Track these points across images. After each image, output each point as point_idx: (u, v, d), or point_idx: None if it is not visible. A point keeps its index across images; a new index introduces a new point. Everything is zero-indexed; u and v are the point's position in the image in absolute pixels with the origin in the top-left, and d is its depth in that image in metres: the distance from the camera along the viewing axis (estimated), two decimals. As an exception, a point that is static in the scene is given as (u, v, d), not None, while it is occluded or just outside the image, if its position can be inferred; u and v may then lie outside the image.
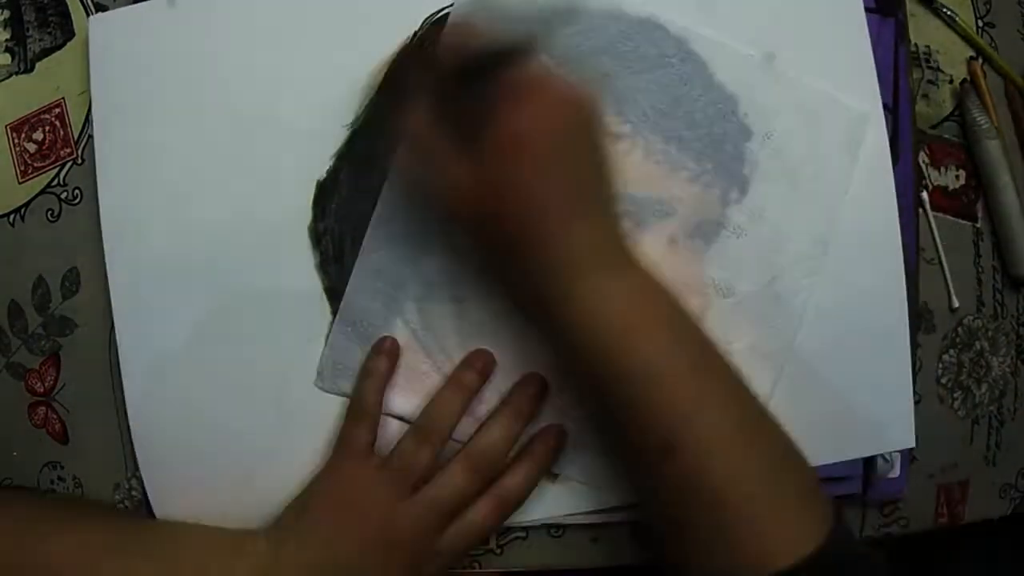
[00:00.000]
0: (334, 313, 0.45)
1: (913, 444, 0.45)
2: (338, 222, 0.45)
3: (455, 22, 0.43)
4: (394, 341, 0.43)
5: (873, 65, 0.45)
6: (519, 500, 0.42)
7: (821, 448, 0.42)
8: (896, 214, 0.45)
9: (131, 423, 0.46)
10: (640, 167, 0.44)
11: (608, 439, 0.42)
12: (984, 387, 0.49)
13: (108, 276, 0.45)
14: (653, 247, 0.44)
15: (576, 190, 0.36)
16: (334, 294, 0.45)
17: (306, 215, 0.45)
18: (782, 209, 0.44)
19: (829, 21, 0.46)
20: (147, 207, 0.45)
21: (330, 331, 0.45)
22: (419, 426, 0.41)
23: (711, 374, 0.36)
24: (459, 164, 0.36)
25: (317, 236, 0.45)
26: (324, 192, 0.45)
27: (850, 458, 0.45)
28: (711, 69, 0.45)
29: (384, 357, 0.43)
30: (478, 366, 0.43)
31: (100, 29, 0.46)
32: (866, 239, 0.45)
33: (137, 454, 0.46)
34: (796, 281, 0.44)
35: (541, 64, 0.37)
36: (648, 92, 0.44)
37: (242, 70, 0.45)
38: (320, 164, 0.45)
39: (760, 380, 0.41)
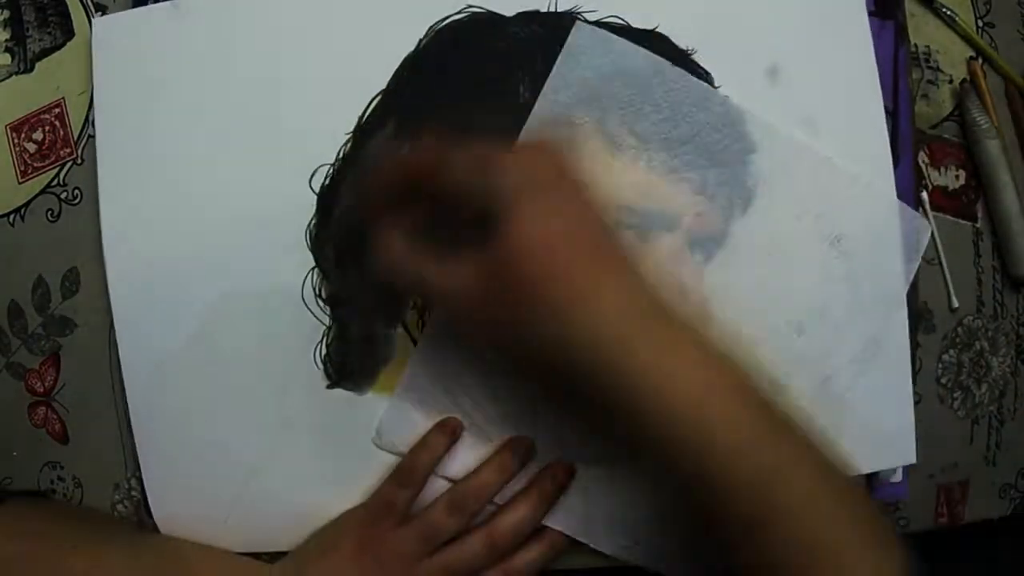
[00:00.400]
0: (333, 318, 0.45)
1: (914, 460, 0.45)
2: (340, 228, 0.45)
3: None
4: (458, 423, 0.44)
5: (876, 73, 0.45)
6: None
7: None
8: (898, 218, 0.45)
9: (132, 421, 0.46)
10: (643, 179, 0.44)
11: (672, 514, 0.42)
12: (984, 387, 0.49)
13: (107, 276, 0.45)
14: (654, 260, 0.44)
15: (591, 246, 0.34)
16: (334, 299, 0.45)
17: (306, 218, 0.45)
18: (843, 310, 0.44)
19: (832, 29, 0.46)
20: (147, 208, 0.45)
21: (328, 333, 0.45)
22: (454, 498, 0.42)
23: (785, 431, 0.34)
24: (461, 279, 0.34)
25: (319, 242, 0.45)
26: (326, 197, 0.45)
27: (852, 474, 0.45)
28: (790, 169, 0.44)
29: (446, 437, 0.43)
30: (520, 452, 0.43)
31: (104, 31, 0.46)
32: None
33: (138, 452, 0.46)
34: (849, 380, 0.45)
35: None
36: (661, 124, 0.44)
37: (245, 74, 0.45)
38: (322, 168, 0.45)
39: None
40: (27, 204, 0.48)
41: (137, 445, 0.46)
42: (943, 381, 0.48)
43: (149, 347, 0.45)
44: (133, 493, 0.47)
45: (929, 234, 0.46)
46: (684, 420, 0.32)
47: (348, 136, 0.45)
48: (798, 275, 0.44)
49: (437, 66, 0.45)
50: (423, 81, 0.45)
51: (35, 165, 0.48)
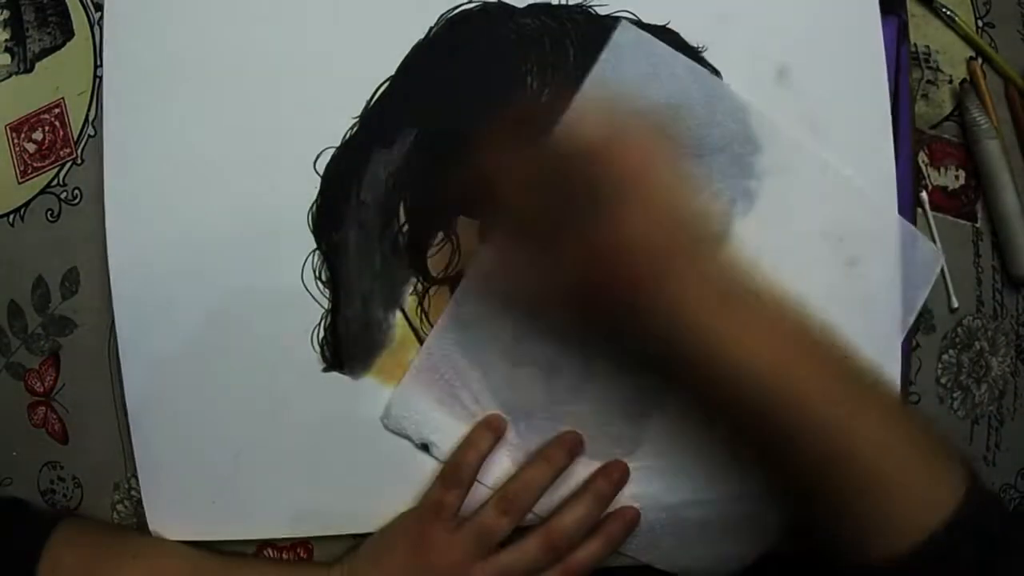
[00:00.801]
0: (333, 304, 0.45)
1: None
2: (346, 211, 0.45)
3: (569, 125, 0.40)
4: (502, 419, 0.44)
5: (885, 79, 0.45)
6: (586, 573, 0.43)
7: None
8: (896, 216, 0.45)
9: (130, 419, 0.46)
10: None
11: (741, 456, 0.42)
12: (984, 387, 0.49)
13: (109, 269, 0.45)
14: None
15: (684, 233, 0.36)
16: (333, 283, 0.45)
17: (308, 200, 0.45)
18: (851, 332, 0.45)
19: (844, 33, 0.46)
20: (152, 183, 0.45)
21: (327, 317, 0.45)
22: (504, 497, 0.42)
23: (858, 380, 0.36)
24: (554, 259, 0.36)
25: (322, 226, 0.45)
26: (331, 179, 0.45)
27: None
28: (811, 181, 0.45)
29: (491, 433, 0.43)
30: (568, 445, 0.43)
31: (116, 6, 0.46)
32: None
33: (131, 430, 0.46)
34: None
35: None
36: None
37: (255, 54, 0.45)
38: (327, 151, 0.45)
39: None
40: (27, 204, 0.48)
41: (131, 422, 0.46)
42: (943, 381, 0.48)
43: (148, 325, 0.45)
44: (132, 493, 0.47)
45: (941, 263, 0.46)
46: (768, 388, 0.35)
47: (355, 120, 0.45)
48: (809, 294, 0.44)
49: (446, 54, 0.45)
50: (431, 69, 0.45)
51: (35, 165, 0.48)
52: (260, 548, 0.47)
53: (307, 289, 0.45)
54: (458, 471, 0.42)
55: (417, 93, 0.45)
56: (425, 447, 0.45)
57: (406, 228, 0.45)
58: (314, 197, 0.45)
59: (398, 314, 0.45)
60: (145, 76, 0.45)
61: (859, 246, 0.45)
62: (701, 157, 0.44)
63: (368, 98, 0.45)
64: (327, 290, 0.45)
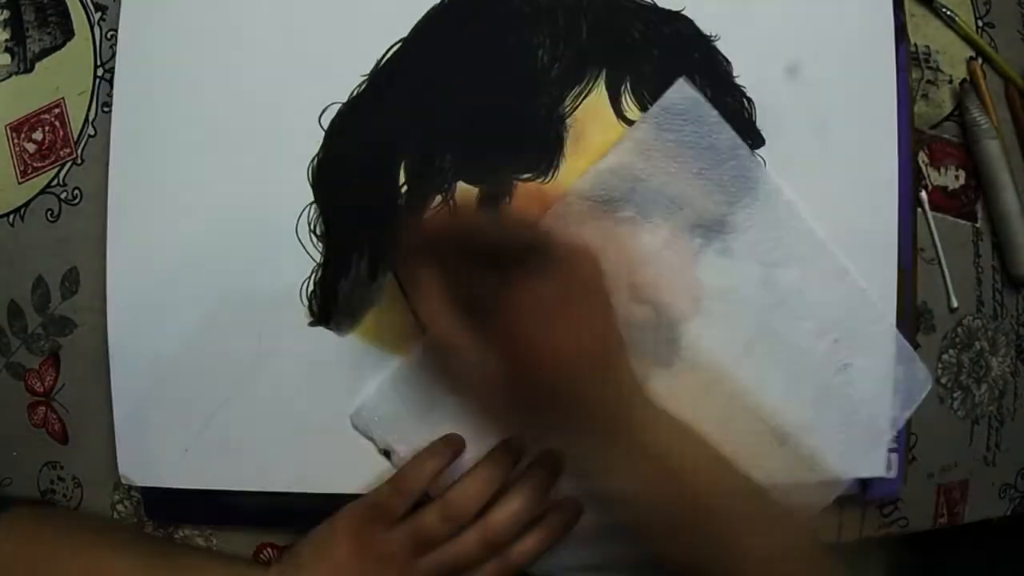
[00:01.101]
0: (325, 258, 0.45)
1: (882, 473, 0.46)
2: (346, 168, 0.45)
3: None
4: (461, 440, 0.44)
5: (895, 84, 0.46)
6: (525, 566, 0.43)
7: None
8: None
9: (110, 359, 0.45)
10: (652, 158, 0.44)
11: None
12: (984, 387, 0.49)
13: (107, 265, 0.45)
14: (651, 241, 0.44)
15: (604, 347, 0.38)
16: (329, 239, 0.45)
17: (310, 153, 0.45)
18: (830, 434, 0.46)
19: (857, 34, 0.46)
20: (157, 131, 0.45)
21: (318, 271, 0.45)
22: (448, 503, 0.42)
23: (759, 494, 0.40)
24: (488, 360, 0.38)
25: (321, 180, 0.45)
26: (335, 134, 0.45)
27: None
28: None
29: (448, 450, 0.44)
30: (515, 448, 0.43)
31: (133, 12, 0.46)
32: (863, 240, 0.46)
33: (112, 392, 0.45)
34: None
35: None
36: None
37: (262, 11, 0.45)
38: (333, 107, 0.45)
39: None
40: (27, 204, 0.48)
41: (110, 363, 0.45)
42: (943, 381, 0.48)
43: (134, 266, 0.45)
44: (133, 492, 0.47)
45: (928, 389, 0.46)
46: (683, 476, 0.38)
47: (363, 78, 0.45)
48: (795, 390, 0.45)
49: (460, 21, 0.45)
50: (444, 34, 0.45)
51: (35, 165, 0.48)
52: (260, 548, 0.47)
53: (300, 241, 0.45)
54: (406, 482, 0.42)
55: (428, 57, 0.45)
56: (387, 454, 0.45)
57: (404, 189, 0.45)
58: (316, 151, 0.45)
59: (389, 274, 0.45)
60: (158, 35, 0.46)
61: (853, 352, 0.45)
62: (722, 235, 0.44)
63: (379, 57, 0.45)
64: (320, 244, 0.45)
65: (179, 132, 0.45)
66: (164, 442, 0.45)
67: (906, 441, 0.47)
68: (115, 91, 0.46)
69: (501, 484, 0.42)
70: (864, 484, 0.46)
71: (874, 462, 0.46)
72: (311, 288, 0.45)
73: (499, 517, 0.42)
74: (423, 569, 0.41)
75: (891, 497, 0.48)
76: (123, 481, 0.46)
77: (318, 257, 0.45)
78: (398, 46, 0.45)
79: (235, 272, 0.45)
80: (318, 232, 0.45)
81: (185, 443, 0.45)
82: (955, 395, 0.49)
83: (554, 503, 0.43)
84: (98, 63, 0.47)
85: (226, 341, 0.45)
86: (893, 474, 0.46)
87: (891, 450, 0.46)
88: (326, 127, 0.45)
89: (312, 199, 0.45)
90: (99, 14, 0.47)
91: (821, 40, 0.46)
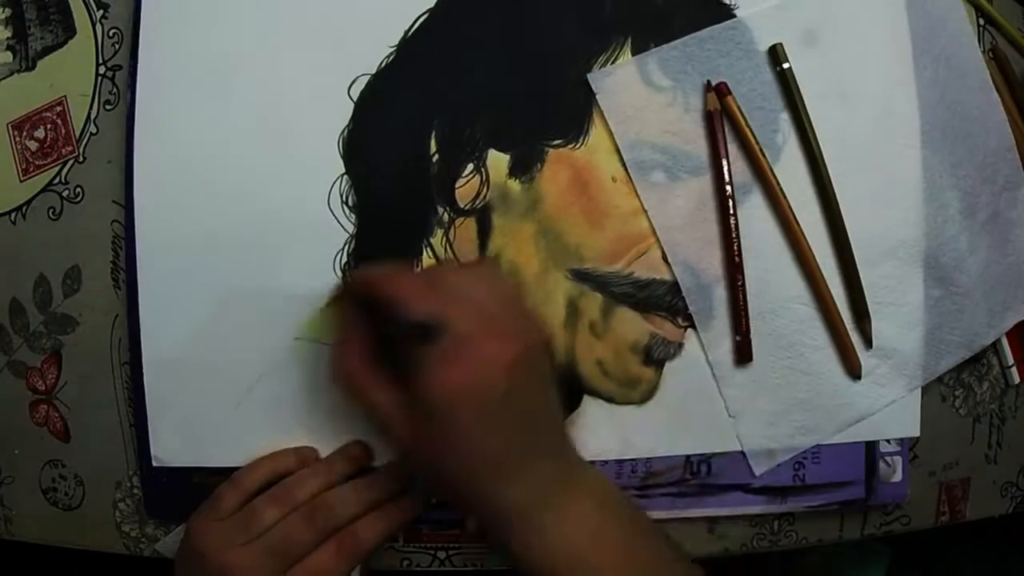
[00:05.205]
0: (358, 229, 0.45)
1: (917, 433, 0.46)
2: (377, 138, 0.45)
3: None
4: (313, 451, 0.45)
5: (910, 48, 0.46)
6: (366, 550, 0.42)
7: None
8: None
9: (142, 338, 0.45)
10: (678, 121, 0.45)
11: None
12: (985, 385, 0.50)
13: (136, 243, 0.45)
14: (684, 203, 0.45)
15: (510, 447, 0.37)
16: (361, 210, 0.45)
17: (341, 125, 0.45)
18: None
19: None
20: (181, 119, 0.46)
21: (351, 242, 0.45)
22: (276, 494, 0.42)
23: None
24: (397, 415, 0.38)
25: (352, 151, 0.45)
26: (365, 106, 0.45)
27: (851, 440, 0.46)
28: None
29: (297, 458, 0.44)
30: (355, 453, 0.44)
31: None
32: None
33: (144, 372, 0.45)
34: None
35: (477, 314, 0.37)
36: (701, 62, 0.45)
37: (276, 32, 0.46)
38: (362, 78, 0.45)
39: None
40: (29, 202, 0.48)
41: (143, 342, 0.45)
42: (945, 379, 0.49)
43: (166, 242, 0.45)
44: (135, 491, 0.47)
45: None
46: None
47: (392, 49, 0.45)
48: None
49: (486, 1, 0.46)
50: (471, 6, 0.46)
51: (37, 163, 0.48)
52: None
53: (333, 213, 0.45)
54: (248, 478, 0.43)
55: (455, 26, 0.46)
56: None
57: (436, 158, 0.45)
58: (346, 123, 0.45)
59: (425, 246, 0.45)
60: (185, 10, 0.46)
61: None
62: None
63: (407, 28, 0.45)
64: (353, 215, 0.45)
65: (208, 107, 0.46)
66: (198, 421, 0.45)
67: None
68: (139, 67, 0.46)
69: (332, 482, 0.43)
70: (869, 490, 0.46)
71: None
72: (344, 259, 0.45)
73: (325, 497, 0.42)
74: (248, 552, 0.40)
75: (895, 501, 0.48)
76: (155, 463, 0.46)
77: (351, 228, 0.45)
78: (425, 16, 0.45)
79: (268, 245, 0.45)
80: (350, 203, 0.45)
81: (220, 420, 0.45)
82: (957, 393, 0.49)
83: (399, 500, 0.43)
84: (100, 61, 0.47)
85: (259, 315, 0.45)
86: (899, 478, 0.46)
87: (896, 454, 0.46)
88: (355, 99, 0.45)
89: (343, 171, 0.45)
90: (101, 12, 0.47)
91: (838, 6, 0.46)
